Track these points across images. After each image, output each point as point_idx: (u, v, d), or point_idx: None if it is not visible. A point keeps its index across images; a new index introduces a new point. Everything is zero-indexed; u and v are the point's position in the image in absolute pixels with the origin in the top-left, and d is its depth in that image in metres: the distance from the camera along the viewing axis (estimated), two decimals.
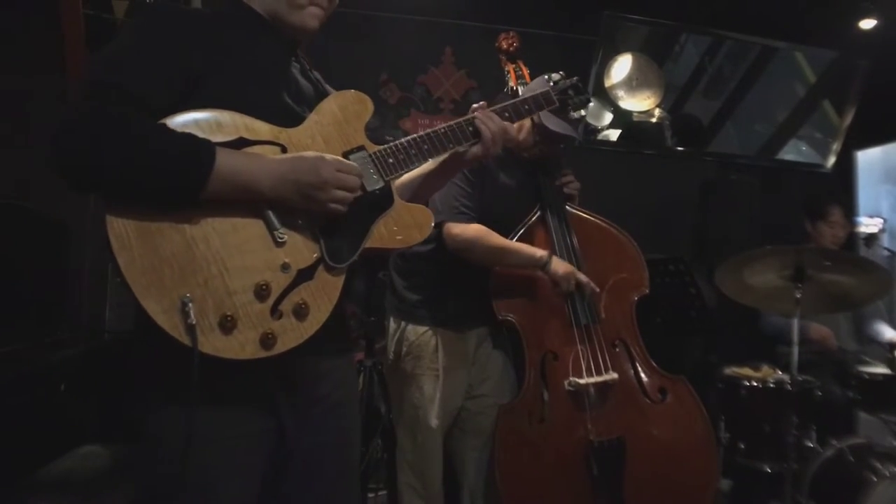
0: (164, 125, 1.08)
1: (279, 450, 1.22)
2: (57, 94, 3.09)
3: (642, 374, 2.10)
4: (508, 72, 2.27)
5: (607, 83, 3.86)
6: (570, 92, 1.68)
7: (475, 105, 1.47)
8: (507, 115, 1.47)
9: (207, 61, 1.16)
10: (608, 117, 3.93)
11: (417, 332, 2.08)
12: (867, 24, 3.79)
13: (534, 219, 2.16)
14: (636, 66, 3.92)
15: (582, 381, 2.00)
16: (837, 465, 2.43)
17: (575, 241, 2.14)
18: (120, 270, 1.03)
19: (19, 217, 2.61)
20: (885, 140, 4.23)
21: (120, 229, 1.04)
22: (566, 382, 2.02)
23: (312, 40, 1.36)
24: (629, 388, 2.08)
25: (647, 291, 2.18)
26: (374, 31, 3.52)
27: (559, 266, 2.03)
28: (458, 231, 2.01)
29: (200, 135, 1.10)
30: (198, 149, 1.07)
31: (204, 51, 1.16)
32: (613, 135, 3.96)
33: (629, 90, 3.92)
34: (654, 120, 4.02)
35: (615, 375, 2.03)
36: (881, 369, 2.70)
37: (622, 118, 3.94)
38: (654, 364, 2.12)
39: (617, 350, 2.11)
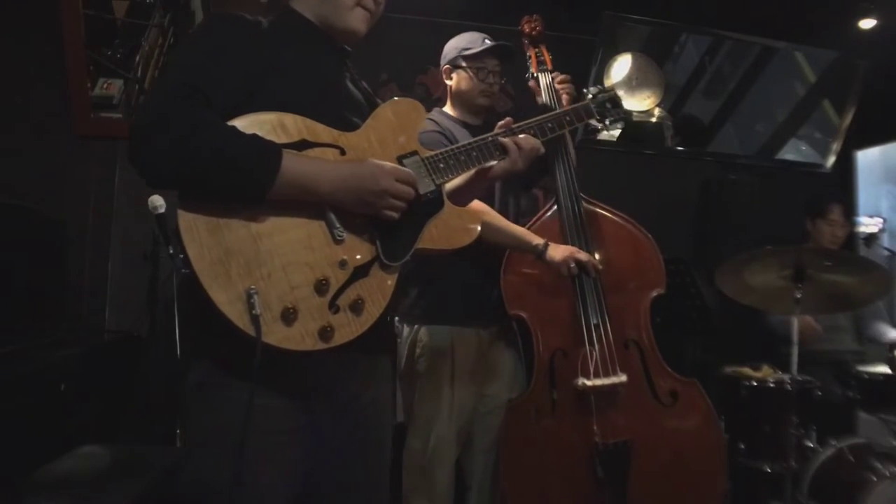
0: (235, 127, 1.13)
1: (315, 447, 1.24)
2: (57, 93, 3.10)
3: (653, 377, 2.07)
4: (530, 56, 2.27)
5: (607, 83, 3.85)
6: (608, 105, 1.74)
7: (509, 119, 1.51)
8: (549, 125, 1.53)
9: (267, 68, 1.21)
10: None
11: (431, 333, 2.08)
12: (867, 24, 3.78)
13: (549, 213, 2.16)
14: (636, 66, 3.91)
15: (590, 383, 1.98)
16: (837, 465, 2.43)
17: (590, 237, 2.12)
18: (189, 262, 1.09)
19: (19, 217, 2.60)
20: (885, 140, 4.22)
21: (190, 222, 1.10)
22: (574, 382, 2.00)
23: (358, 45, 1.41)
24: (639, 390, 2.05)
25: (664, 290, 2.15)
26: (374, 31, 3.51)
27: (555, 253, 2.00)
28: None
29: (265, 136, 1.15)
30: (266, 152, 1.13)
31: (264, 58, 1.22)
32: (613, 135, 3.96)
33: (629, 90, 3.91)
34: (654, 120, 4.02)
35: (624, 378, 2.00)
36: (881, 369, 2.70)
37: None
38: (667, 366, 2.09)
39: (628, 351, 2.07)
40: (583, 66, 3.69)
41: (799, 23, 3.79)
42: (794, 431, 2.36)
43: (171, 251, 2.53)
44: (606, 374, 2.00)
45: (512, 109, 3.46)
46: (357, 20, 1.35)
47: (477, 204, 2.03)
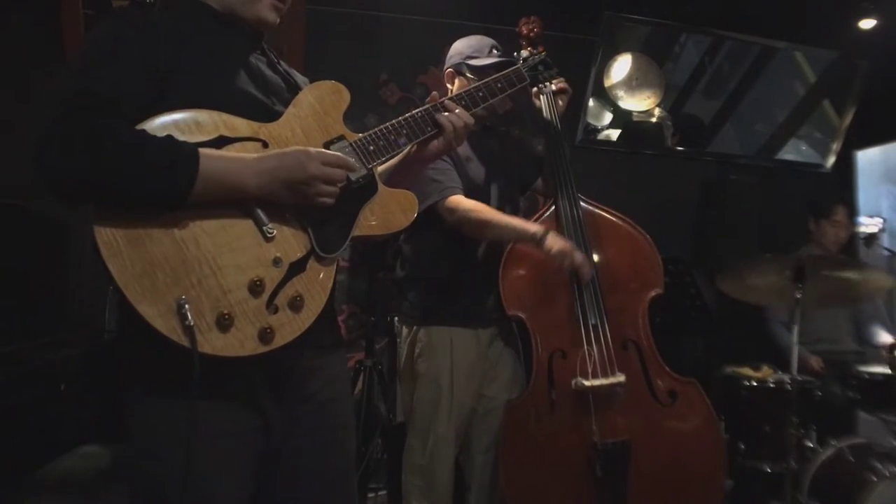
0: (144, 131, 1.07)
1: (267, 449, 1.21)
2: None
3: (651, 377, 2.07)
4: None
5: (607, 83, 3.86)
6: (540, 67, 1.72)
7: (435, 93, 1.45)
8: (481, 94, 1.47)
9: (171, 61, 1.15)
10: (608, 117, 3.93)
11: (430, 333, 2.07)
12: (867, 24, 3.78)
13: (547, 213, 2.16)
14: (636, 66, 3.91)
15: (588, 383, 1.98)
16: (837, 465, 2.43)
17: (588, 237, 2.11)
18: (112, 278, 1.03)
19: (19, 217, 2.61)
20: (885, 140, 4.22)
21: (109, 237, 1.04)
22: (573, 382, 2.00)
23: (274, 31, 1.33)
24: (637, 390, 2.05)
25: (662, 291, 2.14)
26: (374, 31, 3.53)
27: (554, 242, 1.96)
28: (453, 205, 2.01)
29: (180, 136, 1.09)
30: (181, 155, 1.07)
31: (166, 50, 1.15)
32: (613, 135, 3.96)
33: (629, 90, 3.92)
34: (654, 120, 4.02)
35: (622, 378, 1.99)
36: (881, 369, 2.70)
37: (622, 118, 3.94)
38: (666, 366, 2.09)
39: (627, 351, 2.07)
40: (583, 66, 3.69)
41: (799, 23, 3.79)
42: (794, 431, 2.36)
43: None
44: (605, 375, 2.00)
45: (511, 110, 3.46)
46: (265, 9, 1.26)
47: (470, 202, 2.04)
